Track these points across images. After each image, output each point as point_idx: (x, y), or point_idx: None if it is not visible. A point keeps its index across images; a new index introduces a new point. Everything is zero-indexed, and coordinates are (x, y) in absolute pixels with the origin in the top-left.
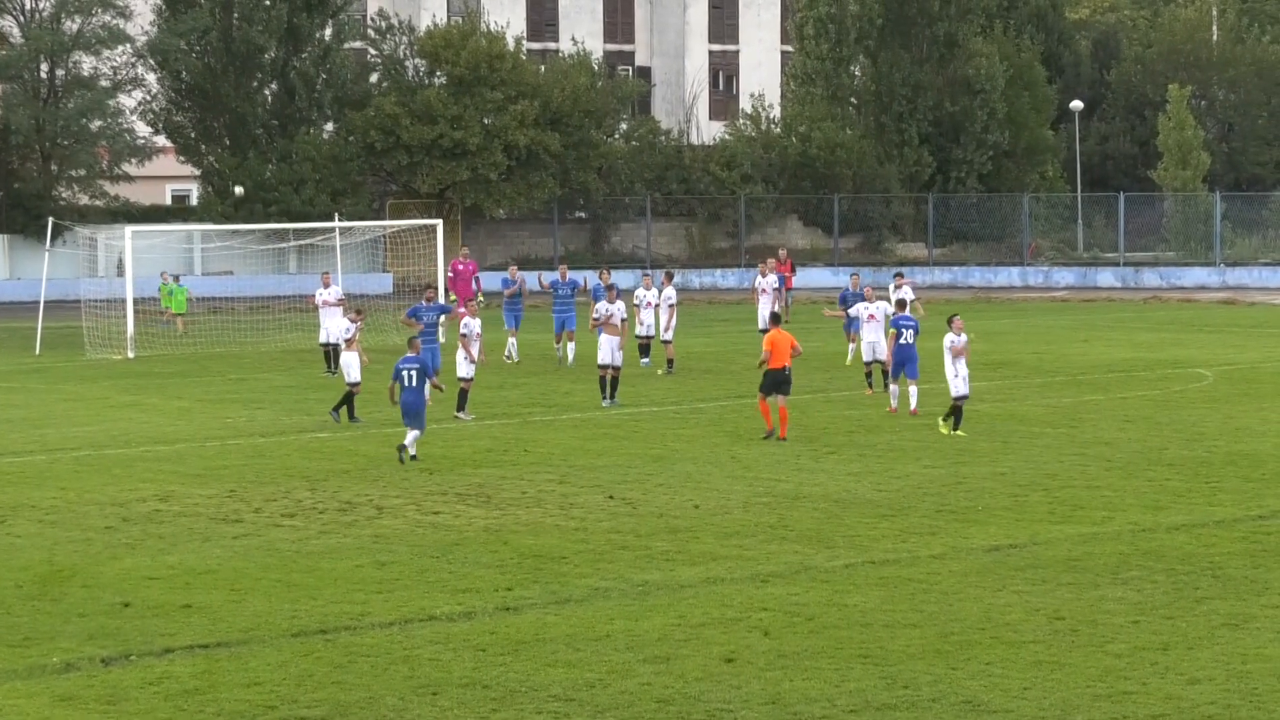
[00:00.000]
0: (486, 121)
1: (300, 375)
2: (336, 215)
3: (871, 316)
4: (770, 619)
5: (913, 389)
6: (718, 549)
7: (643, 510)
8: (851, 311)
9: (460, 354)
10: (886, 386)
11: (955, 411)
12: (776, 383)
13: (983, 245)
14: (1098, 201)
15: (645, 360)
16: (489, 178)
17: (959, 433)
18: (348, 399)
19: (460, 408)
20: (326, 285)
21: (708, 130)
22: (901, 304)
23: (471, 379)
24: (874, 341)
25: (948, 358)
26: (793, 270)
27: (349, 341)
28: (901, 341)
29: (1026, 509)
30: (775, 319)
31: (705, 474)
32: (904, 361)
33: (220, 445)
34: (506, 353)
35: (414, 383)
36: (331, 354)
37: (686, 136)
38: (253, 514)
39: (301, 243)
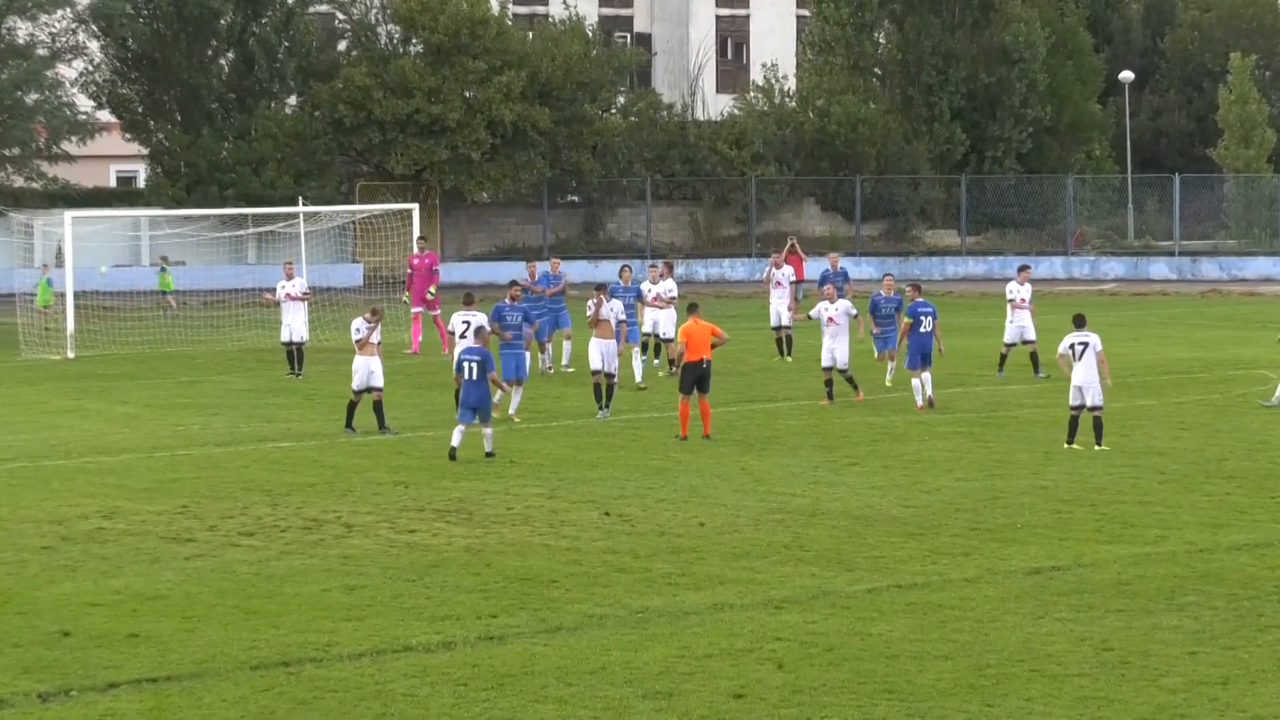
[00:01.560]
0: (468, 95)
1: (260, 377)
2: (300, 199)
3: (831, 320)
4: (784, 650)
5: (926, 376)
6: (726, 571)
7: (642, 528)
8: (812, 313)
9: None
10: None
11: (1074, 422)
12: (695, 377)
13: (1022, 232)
14: (1150, 184)
15: (644, 359)
16: (471, 157)
17: (1096, 447)
18: (373, 409)
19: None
20: (290, 277)
21: (715, 104)
22: (918, 288)
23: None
24: (833, 347)
25: (1084, 360)
26: (802, 260)
27: (361, 344)
28: (921, 330)
29: (1071, 527)
30: (693, 308)
31: (711, 487)
32: (922, 352)
33: (171, 456)
34: (545, 365)
35: (475, 375)
36: (295, 354)
37: (691, 111)
38: (207, 533)
39: (261, 230)
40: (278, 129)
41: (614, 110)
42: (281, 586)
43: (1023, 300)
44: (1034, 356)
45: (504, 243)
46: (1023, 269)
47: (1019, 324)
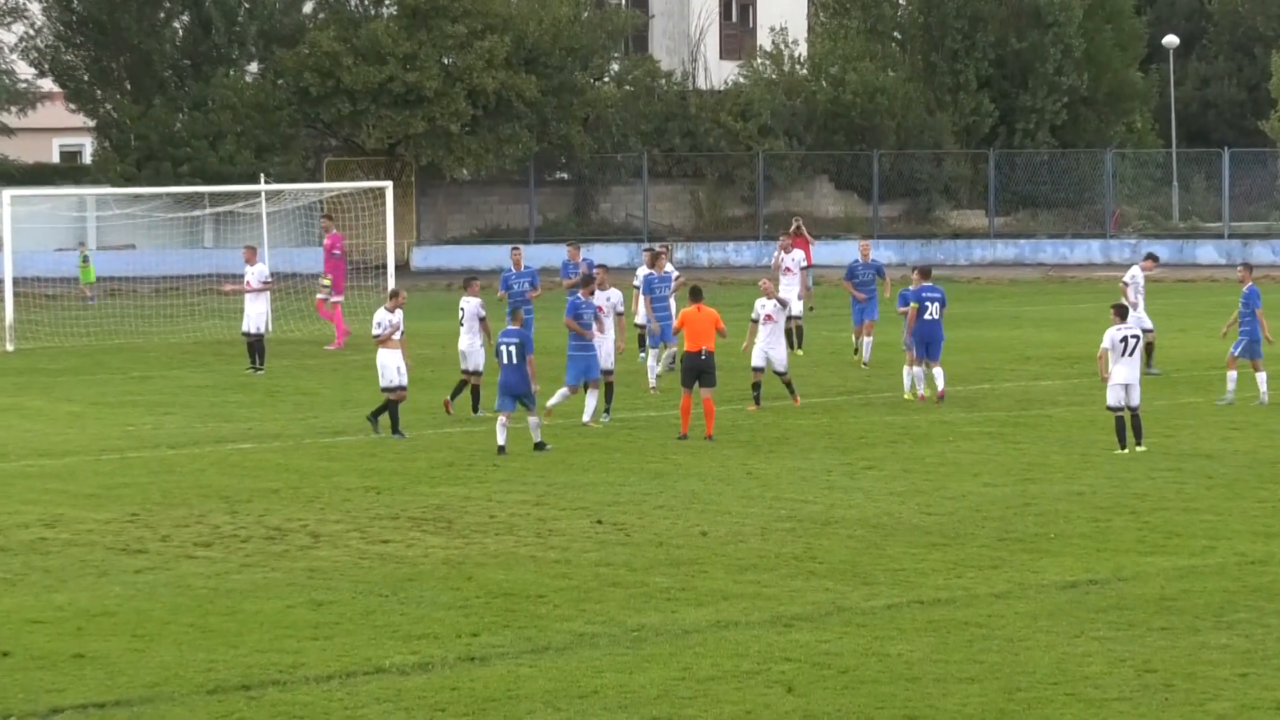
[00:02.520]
0: (446, 61)
1: (218, 373)
2: (262, 176)
3: (769, 317)
4: (795, 672)
5: (937, 371)
6: (730, 586)
7: (638, 538)
8: (753, 314)
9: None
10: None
11: (1120, 425)
12: (695, 370)
13: (1056, 213)
14: (1197, 159)
15: (644, 355)
16: (449, 130)
17: (1138, 448)
18: (388, 408)
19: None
20: (251, 263)
21: (718, 72)
22: (926, 272)
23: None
24: (768, 347)
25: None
26: (809, 243)
27: (383, 339)
28: (926, 317)
29: (1110, 537)
30: (695, 293)
31: (715, 493)
32: (929, 341)
33: (120, 459)
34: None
35: (514, 359)
36: (256, 347)
37: (692, 80)
38: (159, 543)
39: (219, 210)
40: (237, 99)
41: (607, 79)
42: (241, 602)
43: (1132, 287)
44: (1150, 348)
45: (486, 224)
46: (1150, 256)
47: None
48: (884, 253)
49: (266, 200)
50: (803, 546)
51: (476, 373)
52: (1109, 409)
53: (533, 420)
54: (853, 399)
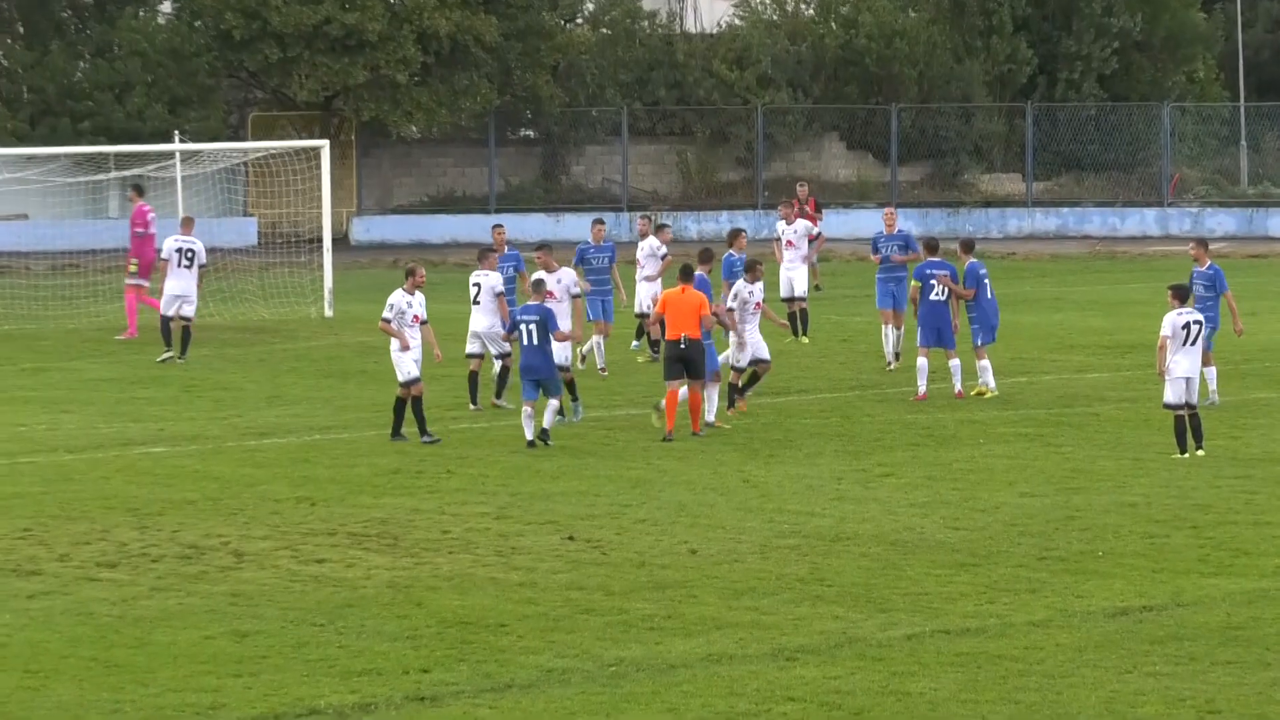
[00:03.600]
0: (392, 0)
1: (125, 363)
2: (177, 135)
3: (759, 305)
4: (799, 713)
5: (954, 363)
6: (724, 613)
7: (616, 557)
8: (732, 302)
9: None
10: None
11: (1180, 425)
12: (679, 361)
13: (1104, 177)
14: (1269, 114)
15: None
16: (396, 80)
17: (1198, 452)
18: (403, 409)
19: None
20: (189, 232)
21: (710, 13)
22: (933, 246)
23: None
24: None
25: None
26: (818, 211)
27: (389, 329)
28: (932, 298)
29: (1167, 555)
30: (686, 273)
31: (706, 505)
32: (937, 326)
33: (9, 465)
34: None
35: (534, 339)
36: (183, 332)
37: (680, 21)
38: (56, 563)
39: (127, 174)
40: (148, 44)
41: (580, 20)
42: (152, 633)
43: None
44: None
45: (439, 190)
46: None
47: None
48: (904, 223)
49: (182, 162)
50: (808, 567)
51: (503, 355)
52: (1167, 407)
53: (553, 402)
54: (867, 394)
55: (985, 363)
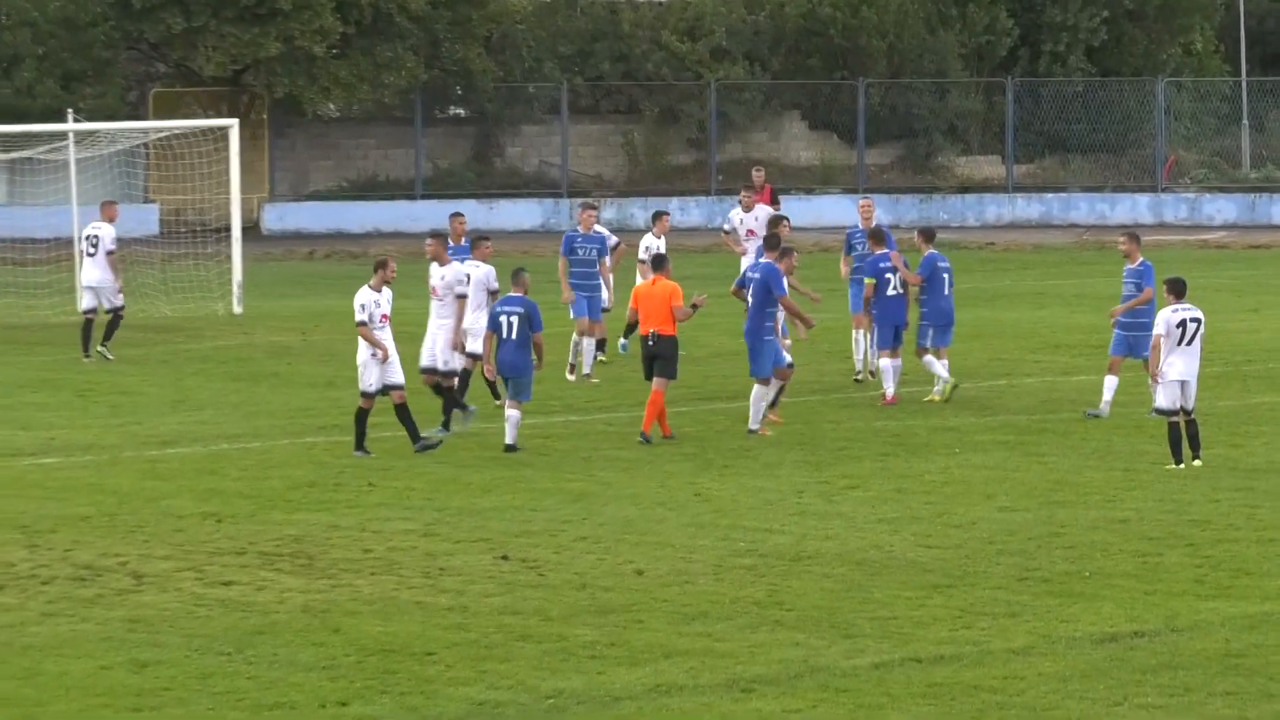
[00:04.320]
0: None
1: (11, 365)
2: (70, 113)
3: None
4: None
5: (929, 357)
6: (673, 639)
7: (554, 579)
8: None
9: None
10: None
11: (1175, 433)
12: (649, 359)
13: (1092, 159)
14: (1274, 90)
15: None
16: (312, 53)
17: (1195, 462)
18: (399, 416)
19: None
20: (108, 217)
21: None
22: (879, 237)
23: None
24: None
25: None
26: (774, 200)
27: (363, 328)
28: (889, 294)
29: (1161, 576)
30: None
31: (654, 521)
32: (895, 324)
33: None
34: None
35: (515, 334)
36: (105, 326)
37: None
38: None
39: (14, 156)
40: (38, 13)
41: None
42: (42, 662)
43: None
44: None
45: (359, 174)
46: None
47: None
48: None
49: (76, 144)
50: (766, 589)
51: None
52: (1160, 413)
53: (512, 414)
54: (830, 399)
55: (930, 359)
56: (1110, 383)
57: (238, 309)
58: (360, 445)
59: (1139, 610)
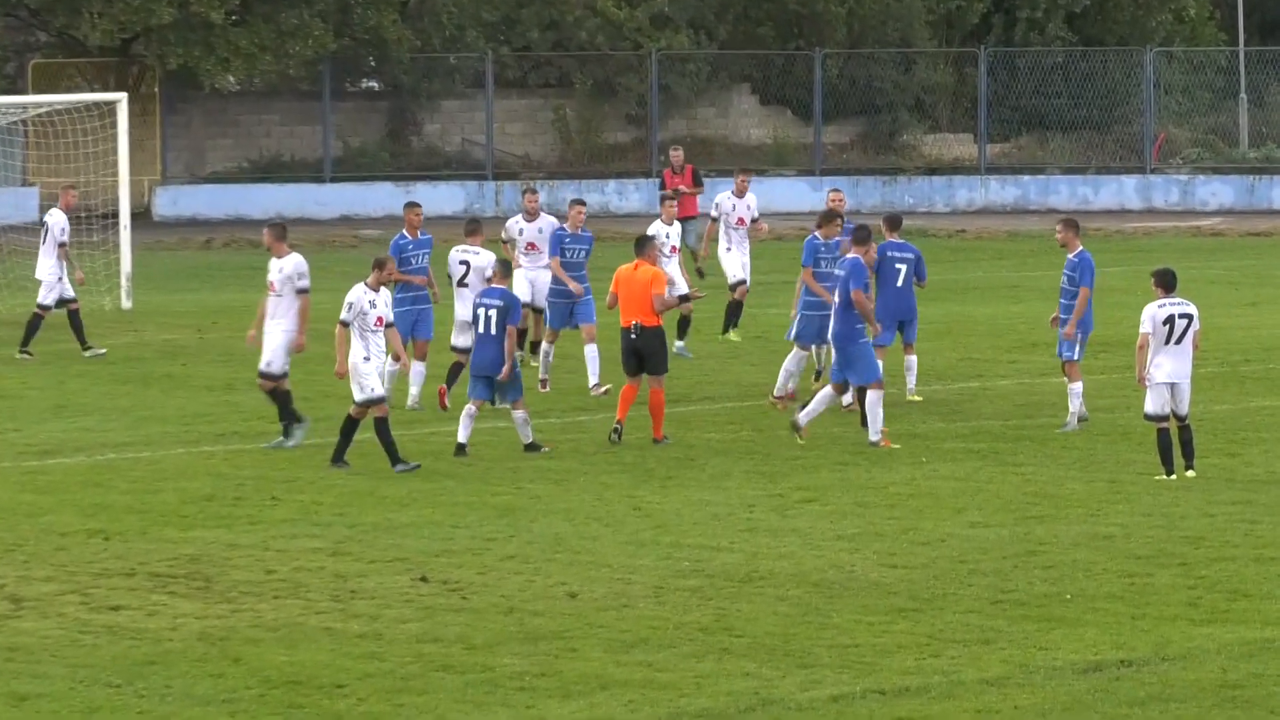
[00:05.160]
0: None
1: None
2: None
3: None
4: None
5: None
6: (610, 669)
7: (478, 603)
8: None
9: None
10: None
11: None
12: (632, 354)
13: (1074, 138)
14: (1274, 61)
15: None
16: (209, 20)
17: (1187, 473)
18: (378, 432)
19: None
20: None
21: None
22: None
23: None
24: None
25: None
26: (697, 183)
27: (344, 325)
28: (898, 285)
29: (1150, 598)
30: (640, 244)
31: (589, 539)
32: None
33: None
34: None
35: (491, 329)
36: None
37: None
38: None
39: None
40: None
41: None
42: None
43: None
44: None
45: (262, 154)
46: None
47: None
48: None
49: None
50: (713, 614)
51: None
52: (1149, 418)
53: (517, 415)
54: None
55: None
56: (1075, 390)
57: (126, 304)
58: (396, 459)
59: (1126, 637)
